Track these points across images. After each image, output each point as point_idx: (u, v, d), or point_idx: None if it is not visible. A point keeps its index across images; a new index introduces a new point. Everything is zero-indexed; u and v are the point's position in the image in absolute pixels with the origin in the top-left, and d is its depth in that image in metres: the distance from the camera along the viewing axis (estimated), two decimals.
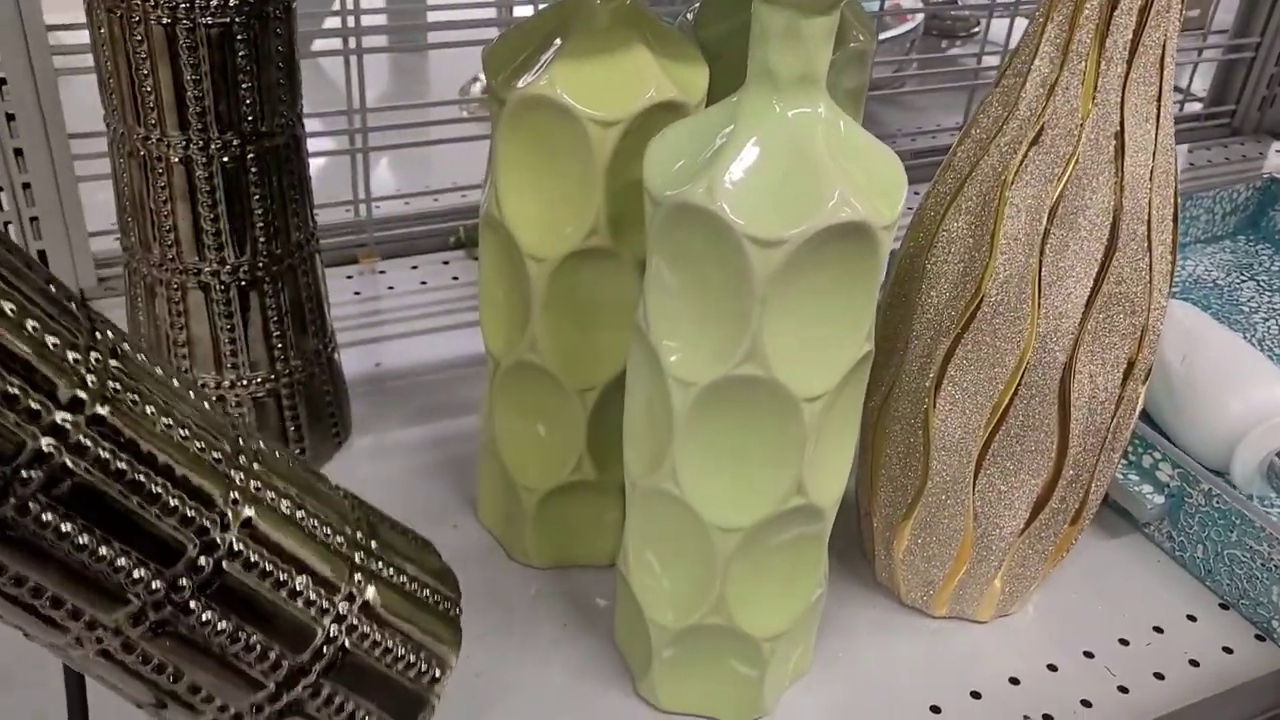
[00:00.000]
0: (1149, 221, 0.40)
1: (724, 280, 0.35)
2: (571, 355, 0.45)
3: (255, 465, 0.30)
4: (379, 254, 0.75)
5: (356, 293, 0.71)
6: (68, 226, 0.65)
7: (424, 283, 0.73)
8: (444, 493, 0.55)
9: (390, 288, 0.72)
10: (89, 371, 0.25)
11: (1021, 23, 0.94)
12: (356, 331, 0.67)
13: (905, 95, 1.03)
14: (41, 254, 0.65)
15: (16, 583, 0.25)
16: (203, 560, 0.28)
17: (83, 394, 0.25)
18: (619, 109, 0.40)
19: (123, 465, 0.26)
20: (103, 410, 0.25)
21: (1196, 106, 1.07)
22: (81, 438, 0.25)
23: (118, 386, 0.26)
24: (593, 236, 0.42)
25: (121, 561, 0.26)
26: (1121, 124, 0.39)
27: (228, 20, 0.44)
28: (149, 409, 0.27)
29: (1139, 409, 0.46)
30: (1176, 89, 1.09)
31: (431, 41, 0.78)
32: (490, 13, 0.79)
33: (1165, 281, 0.42)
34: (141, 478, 0.26)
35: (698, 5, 0.49)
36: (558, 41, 0.40)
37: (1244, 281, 0.79)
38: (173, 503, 0.27)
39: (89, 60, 0.47)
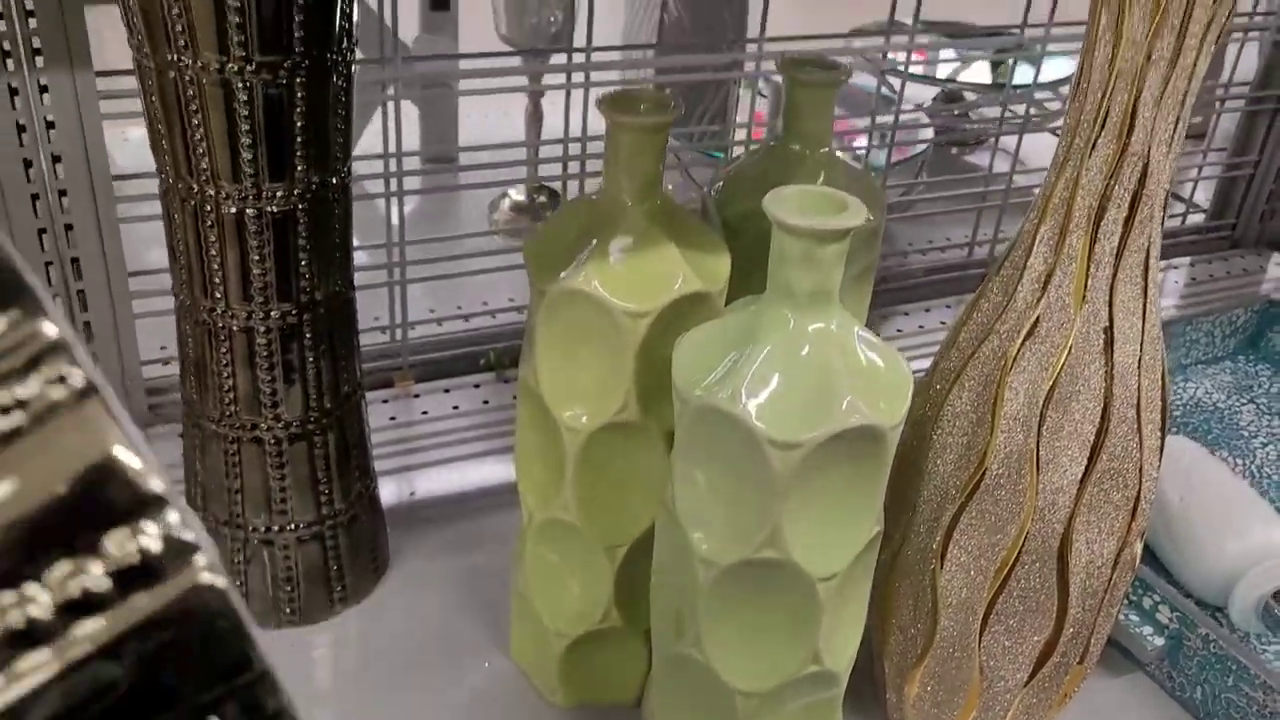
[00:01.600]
0: (1138, 405, 0.44)
1: (747, 475, 0.38)
2: (602, 515, 0.48)
3: None
4: (413, 377, 0.79)
5: (392, 418, 0.75)
6: (123, 361, 0.69)
7: (456, 407, 0.77)
8: (478, 627, 0.58)
9: (424, 413, 0.76)
10: None
11: (1031, 137, 0.98)
12: (392, 459, 0.71)
13: (917, 210, 1.07)
14: None
15: None
16: None
17: None
18: (649, 301, 0.44)
19: None
20: None
21: (1199, 218, 1.11)
22: None
23: None
24: (623, 411, 0.46)
25: None
26: (1110, 319, 0.43)
27: (290, 206, 0.48)
28: None
29: (1135, 567, 0.49)
30: (1179, 199, 1.12)
31: (465, 168, 0.83)
32: (520, 153, 0.84)
33: (1155, 457, 0.46)
34: None
35: (720, 184, 0.53)
36: (594, 240, 0.44)
37: (1244, 404, 0.82)
38: None
39: (149, 208, 0.51)
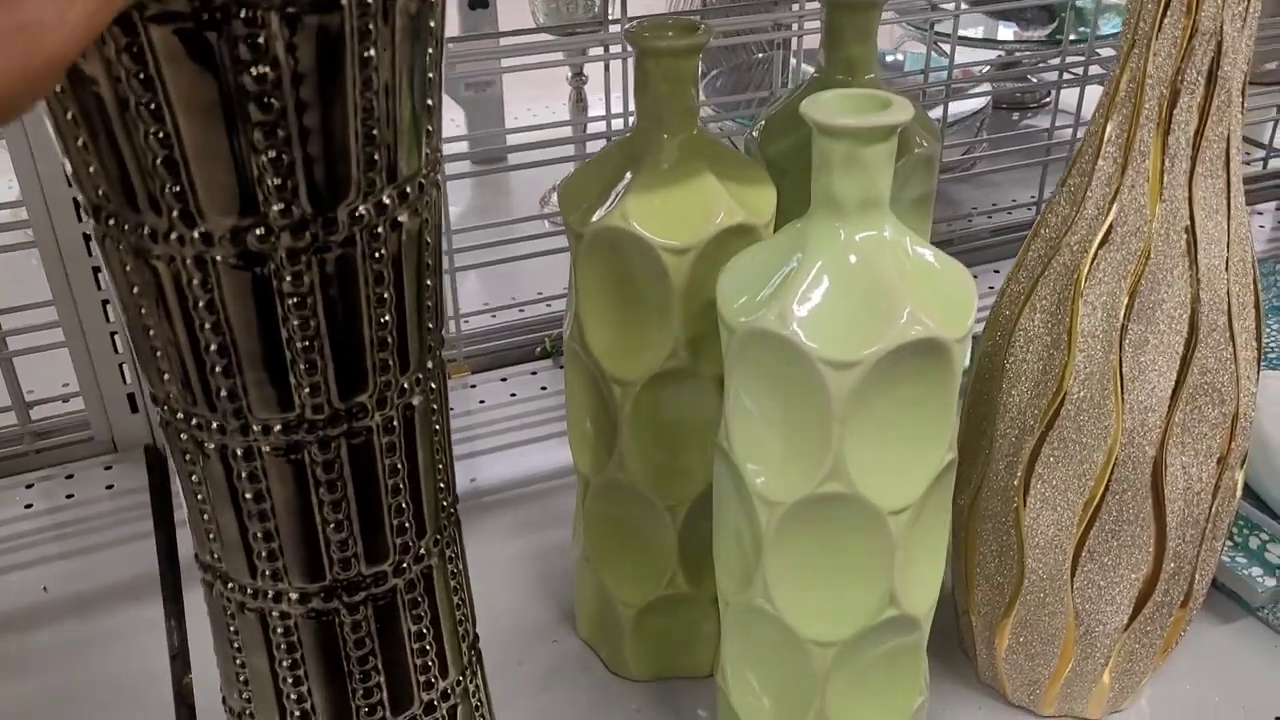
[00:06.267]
0: (1229, 311, 0.40)
1: (802, 402, 0.35)
2: (658, 472, 0.46)
3: None
4: (469, 368, 0.78)
5: (450, 408, 0.73)
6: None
7: (513, 394, 0.75)
8: (543, 607, 0.56)
9: (481, 401, 0.74)
10: None
11: (1092, 91, 0.94)
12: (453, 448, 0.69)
13: (980, 169, 1.03)
14: None
15: None
16: None
17: None
18: (690, 236, 0.41)
19: None
20: None
21: None
22: None
23: None
24: (672, 358, 0.43)
25: None
26: (1191, 218, 0.39)
27: None
28: None
29: (1238, 495, 0.45)
30: (1259, 145, 1.07)
31: (512, 162, 0.81)
32: (566, 131, 0.82)
33: (1252, 369, 0.42)
34: None
35: (762, 123, 0.51)
36: (628, 175, 0.42)
37: None
38: None
39: None
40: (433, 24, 0.27)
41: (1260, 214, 1.01)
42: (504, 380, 0.77)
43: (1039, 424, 0.43)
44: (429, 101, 0.28)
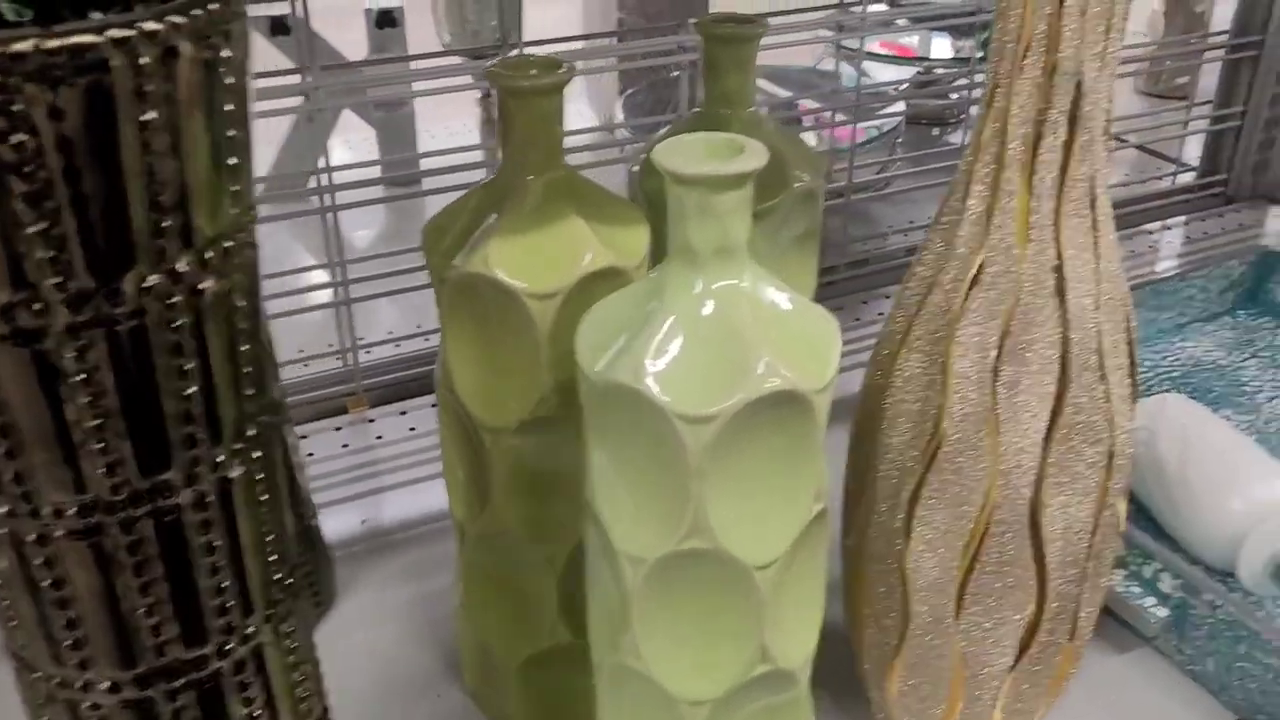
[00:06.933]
0: (1100, 350, 0.40)
1: (660, 457, 0.34)
2: (533, 521, 0.45)
3: None
4: (368, 402, 0.76)
5: (345, 445, 0.71)
6: None
7: (413, 429, 0.73)
8: (430, 657, 0.54)
9: (379, 437, 0.72)
10: None
11: None
12: (345, 487, 0.67)
13: (896, 187, 1.03)
14: None
15: None
16: None
17: None
18: (555, 281, 0.40)
19: None
20: None
21: (1189, 177, 1.07)
22: None
23: None
24: (542, 405, 0.42)
25: None
26: (1059, 257, 0.39)
27: None
28: None
29: (1121, 530, 0.45)
30: (1167, 159, 1.08)
31: (424, 188, 0.79)
32: (478, 155, 0.80)
33: (1126, 405, 0.41)
34: None
35: (643, 158, 0.50)
36: (492, 217, 0.41)
37: (1246, 360, 0.77)
38: None
39: None
40: (231, 80, 0.25)
41: (1169, 229, 1.02)
42: (404, 414, 0.75)
43: (918, 466, 0.42)
44: (233, 160, 0.26)
